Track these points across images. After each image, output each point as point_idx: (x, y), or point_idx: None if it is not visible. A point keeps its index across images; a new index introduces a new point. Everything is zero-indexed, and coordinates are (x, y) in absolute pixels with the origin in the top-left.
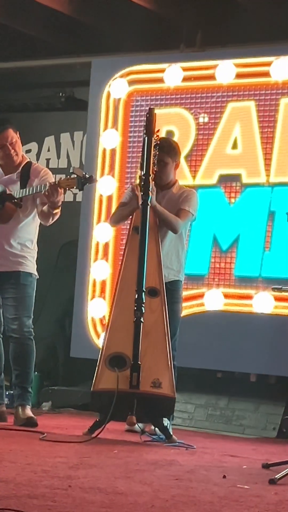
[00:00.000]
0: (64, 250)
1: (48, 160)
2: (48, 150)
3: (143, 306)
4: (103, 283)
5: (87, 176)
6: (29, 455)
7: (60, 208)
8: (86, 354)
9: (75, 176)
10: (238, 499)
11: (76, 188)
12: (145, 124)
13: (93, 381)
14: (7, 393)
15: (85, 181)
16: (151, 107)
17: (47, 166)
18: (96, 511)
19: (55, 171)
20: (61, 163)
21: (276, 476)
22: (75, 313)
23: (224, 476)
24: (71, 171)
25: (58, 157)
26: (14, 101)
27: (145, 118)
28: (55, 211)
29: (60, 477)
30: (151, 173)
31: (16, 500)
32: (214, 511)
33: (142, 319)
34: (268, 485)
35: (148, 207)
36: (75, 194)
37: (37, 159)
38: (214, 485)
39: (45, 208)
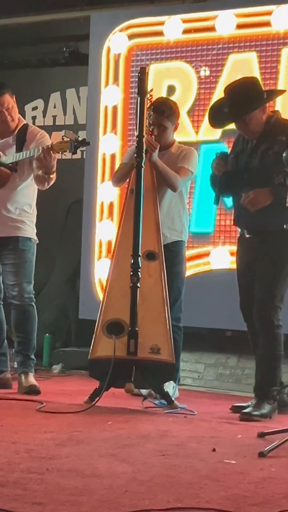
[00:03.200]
0: (72, 209)
1: (54, 117)
2: (54, 107)
3: (139, 271)
4: (109, 243)
5: (79, 139)
6: (19, 431)
7: (54, 172)
8: (95, 315)
9: (68, 139)
10: (220, 478)
11: (69, 152)
12: (137, 84)
13: (91, 349)
14: None
15: (78, 145)
16: (142, 66)
17: (54, 123)
18: (66, 500)
19: (62, 127)
20: (68, 120)
21: (265, 448)
22: (82, 274)
23: (214, 449)
24: (62, 134)
25: (65, 113)
26: (17, 57)
27: (137, 78)
28: (50, 176)
29: (41, 458)
30: (144, 134)
31: None
32: (190, 495)
33: (138, 284)
34: (256, 459)
35: (143, 169)
36: (82, 152)
37: (44, 116)
38: (200, 461)
39: (40, 172)
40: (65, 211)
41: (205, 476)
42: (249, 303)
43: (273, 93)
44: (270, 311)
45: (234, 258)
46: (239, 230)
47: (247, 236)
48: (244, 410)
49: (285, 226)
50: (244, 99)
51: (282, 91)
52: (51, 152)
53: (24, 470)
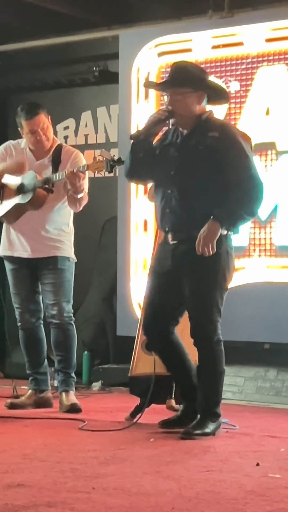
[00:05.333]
0: (107, 226)
1: (86, 135)
2: (86, 126)
3: None
4: (145, 260)
5: (115, 158)
6: (63, 450)
7: (85, 193)
8: (133, 332)
9: (104, 159)
10: (265, 493)
11: (105, 171)
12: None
13: (131, 366)
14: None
15: (114, 164)
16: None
17: (86, 142)
18: None
19: (94, 146)
20: (99, 138)
21: None
22: (118, 291)
23: (258, 464)
24: (98, 154)
25: (96, 132)
26: (48, 78)
27: None
28: (79, 196)
29: (87, 477)
30: None
31: (33, 510)
32: (236, 510)
33: None
34: None
35: None
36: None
37: (75, 135)
38: (244, 476)
39: (70, 192)
40: (99, 229)
41: (250, 491)
42: (160, 310)
43: (216, 90)
44: (209, 328)
45: (270, 271)
46: (163, 233)
47: (172, 242)
48: (185, 429)
49: None
50: (186, 75)
51: (223, 102)
52: (80, 173)
53: (70, 489)
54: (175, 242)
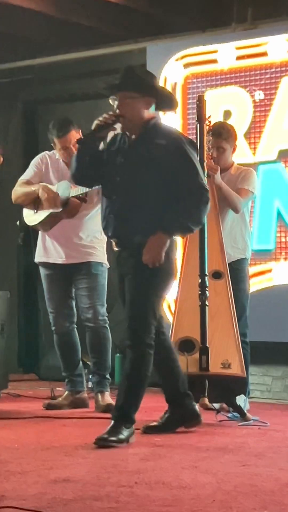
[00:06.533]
0: None
1: None
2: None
3: (207, 290)
4: (181, 264)
5: None
6: (102, 448)
7: None
8: None
9: None
10: None
11: None
12: (196, 111)
13: None
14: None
15: None
16: (200, 94)
17: None
18: (158, 510)
19: None
20: None
21: None
22: None
23: None
24: None
25: None
26: (76, 90)
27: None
28: None
29: (129, 472)
30: (205, 158)
31: (81, 504)
32: (274, 502)
33: (207, 303)
34: None
35: None
36: None
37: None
38: (280, 470)
39: None
40: None
41: (287, 484)
42: None
43: (164, 97)
44: (141, 329)
45: None
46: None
47: (115, 249)
48: (99, 436)
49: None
50: (135, 80)
51: (171, 110)
52: None
53: (114, 484)
54: (118, 249)
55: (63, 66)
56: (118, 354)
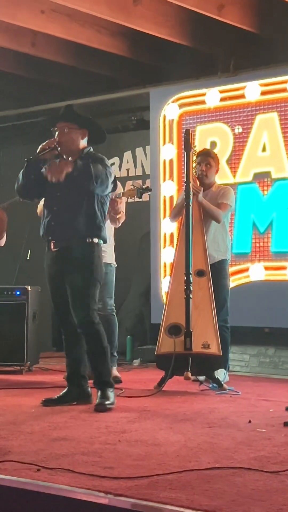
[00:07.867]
0: (144, 238)
1: (127, 170)
2: (127, 162)
3: (191, 286)
4: (171, 264)
5: (144, 187)
6: (101, 412)
7: (122, 213)
8: None
9: (135, 187)
10: (251, 444)
11: (136, 197)
12: (183, 142)
13: (156, 346)
14: None
15: (143, 191)
16: (187, 128)
17: (127, 174)
18: (130, 464)
19: (133, 178)
20: (138, 172)
21: None
22: (152, 289)
23: (250, 421)
24: (131, 184)
25: (135, 166)
26: None
27: (183, 138)
28: (117, 216)
29: (116, 432)
30: (191, 180)
31: (71, 458)
32: (227, 456)
33: (191, 296)
34: (282, 427)
35: (191, 208)
36: (149, 195)
37: (119, 170)
38: (238, 431)
39: (111, 213)
40: (138, 242)
41: (240, 442)
42: (62, 307)
43: (97, 132)
44: (89, 316)
45: (268, 272)
46: (46, 242)
47: (54, 249)
48: (97, 402)
49: (87, 240)
50: (74, 114)
51: (100, 142)
52: (117, 199)
53: (102, 442)
54: (56, 249)
55: (86, 107)
56: (129, 336)
